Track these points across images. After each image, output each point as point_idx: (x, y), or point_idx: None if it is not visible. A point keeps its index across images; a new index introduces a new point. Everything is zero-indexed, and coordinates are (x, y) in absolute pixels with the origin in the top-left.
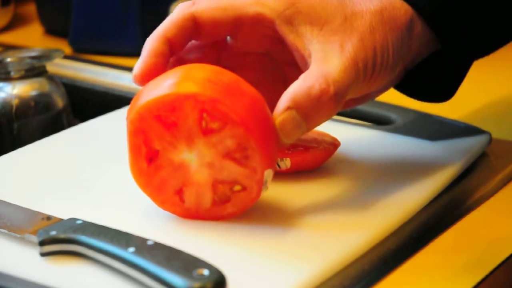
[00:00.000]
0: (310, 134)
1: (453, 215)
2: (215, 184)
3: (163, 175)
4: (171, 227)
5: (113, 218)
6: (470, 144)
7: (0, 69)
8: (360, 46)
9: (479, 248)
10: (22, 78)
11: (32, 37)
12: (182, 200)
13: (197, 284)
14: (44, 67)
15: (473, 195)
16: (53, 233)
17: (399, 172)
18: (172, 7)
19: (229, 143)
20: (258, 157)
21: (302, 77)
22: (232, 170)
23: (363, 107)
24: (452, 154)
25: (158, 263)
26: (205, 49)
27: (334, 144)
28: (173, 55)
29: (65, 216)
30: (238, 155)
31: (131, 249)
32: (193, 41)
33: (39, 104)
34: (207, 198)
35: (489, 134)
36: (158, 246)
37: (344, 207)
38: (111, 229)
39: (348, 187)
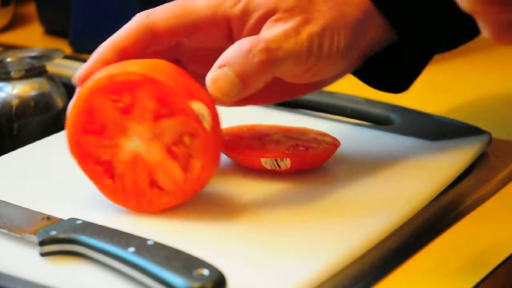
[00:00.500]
0: (310, 134)
1: (453, 215)
2: (169, 151)
3: (130, 179)
4: (171, 227)
5: (113, 218)
6: (470, 144)
7: (0, 69)
8: (306, 22)
9: (479, 248)
10: (22, 78)
11: (32, 37)
12: (161, 189)
13: (197, 284)
14: (44, 67)
15: (473, 195)
16: (53, 233)
17: (399, 172)
18: None
19: (150, 105)
20: (174, 96)
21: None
22: (170, 126)
23: (363, 107)
24: (452, 154)
25: (158, 263)
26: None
27: (334, 144)
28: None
29: (65, 216)
30: (164, 110)
31: (131, 249)
32: None
33: (39, 104)
34: (175, 170)
35: (489, 134)
36: (158, 246)
37: (344, 207)
38: (111, 229)
39: (348, 187)
